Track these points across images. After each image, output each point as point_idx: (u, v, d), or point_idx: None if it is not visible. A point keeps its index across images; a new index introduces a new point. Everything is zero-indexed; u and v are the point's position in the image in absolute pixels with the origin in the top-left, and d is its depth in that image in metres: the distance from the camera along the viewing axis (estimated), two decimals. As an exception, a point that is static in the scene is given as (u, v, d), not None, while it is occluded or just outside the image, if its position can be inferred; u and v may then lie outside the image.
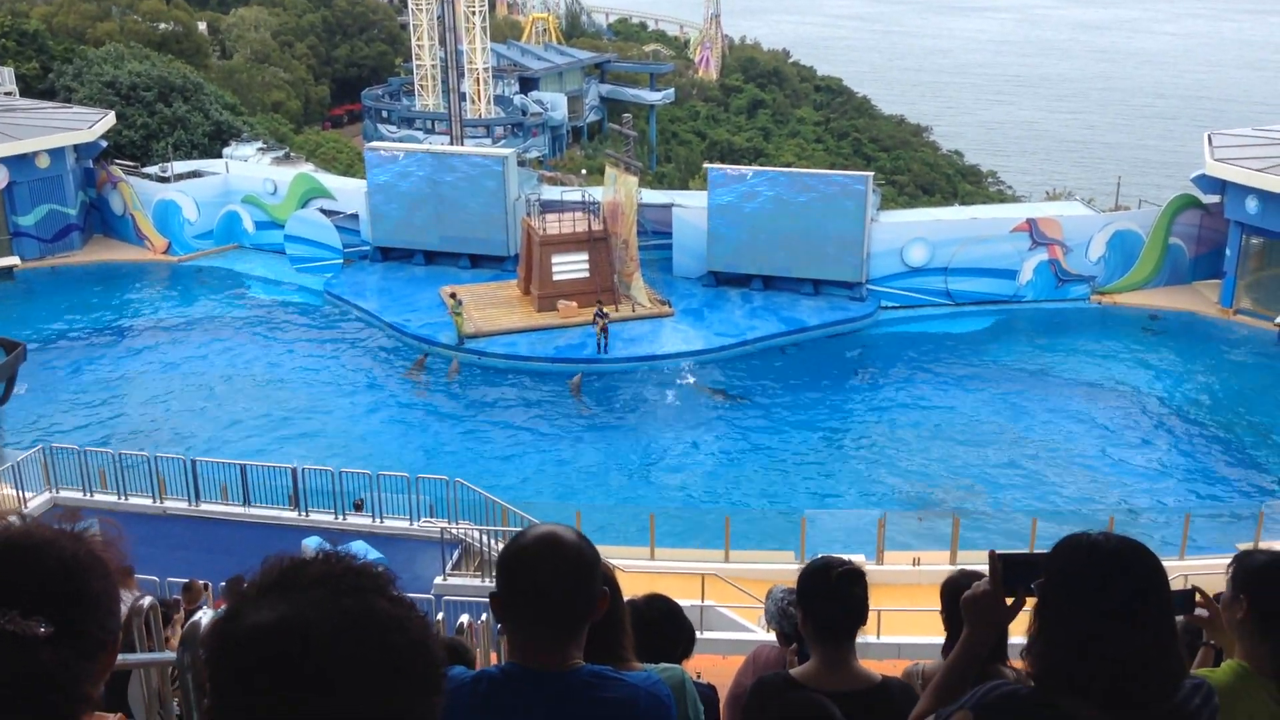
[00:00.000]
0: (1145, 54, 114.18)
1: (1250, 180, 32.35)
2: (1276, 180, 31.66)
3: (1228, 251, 34.12)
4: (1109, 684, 2.38)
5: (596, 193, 35.55)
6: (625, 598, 4.48)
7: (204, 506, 21.41)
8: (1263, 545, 20.82)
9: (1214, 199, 34.41)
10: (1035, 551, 2.80)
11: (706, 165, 39.04)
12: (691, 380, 30.99)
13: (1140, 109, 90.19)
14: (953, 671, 2.95)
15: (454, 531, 20.22)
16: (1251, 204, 32.64)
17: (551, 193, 37.74)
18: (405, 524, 20.82)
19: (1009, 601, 2.82)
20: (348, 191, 39.00)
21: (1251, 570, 3.43)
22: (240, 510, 21.30)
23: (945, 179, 59.63)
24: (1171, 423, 29.00)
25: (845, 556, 3.92)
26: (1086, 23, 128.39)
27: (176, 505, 21.34)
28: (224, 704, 1.47)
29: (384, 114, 54.77)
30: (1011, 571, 2.75)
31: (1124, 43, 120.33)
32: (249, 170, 41.30)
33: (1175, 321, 34.04)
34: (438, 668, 1.56)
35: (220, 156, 42.91)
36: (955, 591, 4.11)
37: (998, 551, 2.83)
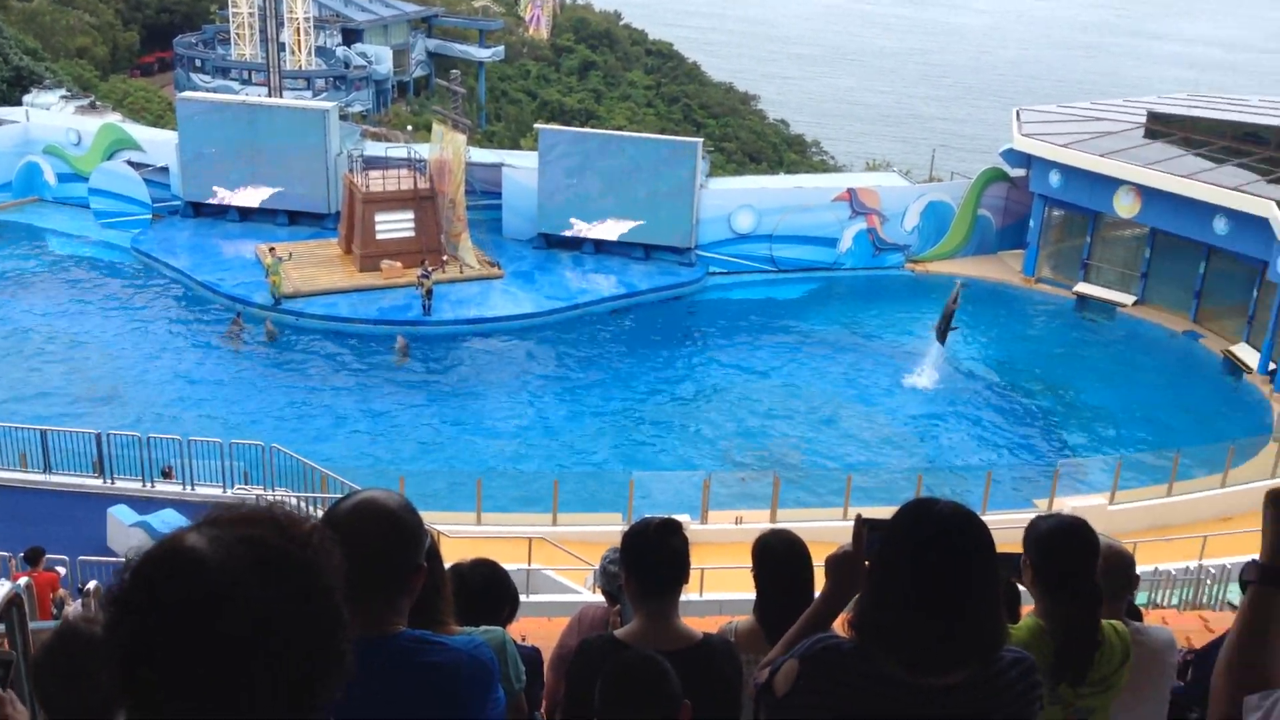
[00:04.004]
0: (959, 30, 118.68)
1: (1054, 155, 34.09)
2: (1078, 155, 33.46)
3: (1031, 223, 35.91)
4: (919, 643, 2.41)
5: (423, 150, 34.84)
6: (451, 563, 4.42)
7: (1, 474, 20.25)
8: (1058, 501, 22.18)
9: (1020, 173, 36.13)
10: None
11: (538, 126, 38.71)
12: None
13: (954, 84, 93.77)
14: (808, 625, 3.03)
15: (270, 499, 19.66)
16: (1054, 178, 34.42)
17: (375, 149, 36.77)
18: (218, 491, 20.12)
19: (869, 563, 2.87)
20: (158, 143, 37.12)
21: (1036, 536, 3.63)
22: (40, 478, 20.26)
23: (771, 147, 60.77)
24: (977, 385, 30.44)
25: (670, 516, 3.96)
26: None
27: (-31, 473, 20.11)
28: (134, 626, 1.50)
29: (198, 63, 52.32)
30: (875, 535, 2.81)
31: (940, 18, 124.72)
32: (51, 119, 38.89)
33: (982, 289, 35.63)
34: (332, 603, 1.60)
35: (19, 104, 40.23)
36: (764, 551, 4.22)
37: (863, 515, 2.89)
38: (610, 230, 34.86)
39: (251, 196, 35.96)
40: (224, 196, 36.01)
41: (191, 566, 1.50)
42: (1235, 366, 30.74)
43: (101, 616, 1.55)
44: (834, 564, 3.08)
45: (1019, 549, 3.67)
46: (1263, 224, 29.07)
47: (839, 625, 3.05)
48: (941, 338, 29.50)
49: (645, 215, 34.43)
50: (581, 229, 34.97)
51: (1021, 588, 3.89)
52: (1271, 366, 29.62)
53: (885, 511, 2.66)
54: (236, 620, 1.48)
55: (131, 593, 1.50)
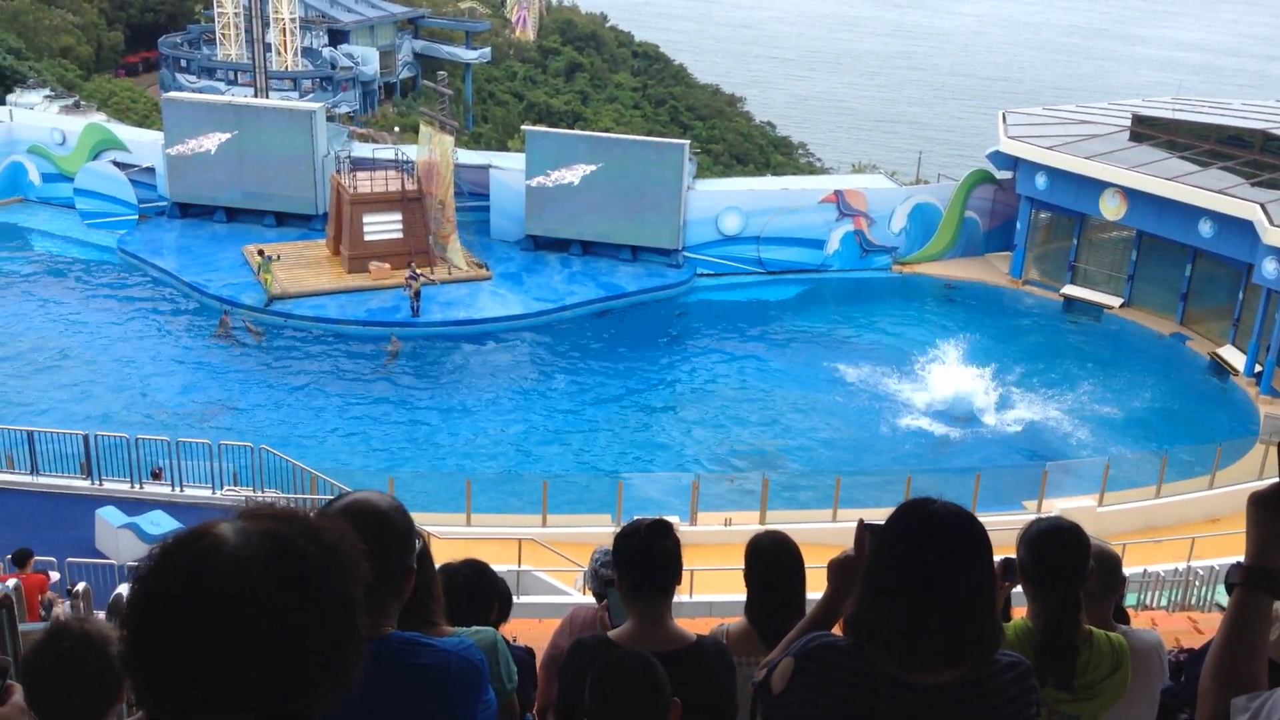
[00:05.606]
0: (944, 33, 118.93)
1: (1040, 158, 34.18)
2: (1064, 158, 33.56)
3: (1018, 225, 36.00)
4: (913, 641, 2.42)
5: (411, 151, 34.77)
6: (440, 563, 4.42)
7: (-13, 476, 20.13)
8: (1047, 503, 22.23)
9: (1006, 175, 36.21)
10: None
11: (525, 127, 38.68)
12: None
13: (939, 87, 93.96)
14: (809, 628, 3.03)
15: (260, 501, 19.56)
16: (1041, 180, 34.52)
17: (363, 150, 36.69)
18: (207, 493, 20.04)
19: None
20: (143, 144, 36.99)
21: (1028, 537, 3.63)
22: (28, 479, 20.09)
23: (758, 149, 60.77)
24: (964, 388, 30.47)
25: (661, 517, 3.95)
26: (891, 0, 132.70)
27: (-45, 475, 19.97)
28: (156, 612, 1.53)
29: (183, 63, 52.14)
30: (876, 540, 2.80)
31: (925, 21, 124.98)
32: (35, 119, 38.73)
33: (969, 291, 35.74)
34: (347, 613, 1.60)
35: (3, 104, 40.07)
36: (757, 552, 4.21)
37: (865, 521, 2.89)
38: (597, 232, 34.58)
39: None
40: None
41: (209, 551, 1.54)
42: (1221, 368, 30.88)
43: (118, 606, 1.58)
44: (836, 568, 3.09)
45: (1008, 551, 3.67)
46: (1247, 227, 29.20)
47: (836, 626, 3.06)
48: None
49: (632, 216, 34.43)
50: (569, 231, 34.76)
51: (1017, 590, 3.90)
52: (1257, 368, 29.75)
53: (884, 515, 2.66)
54: (241, 608, 1.50)
55: (153, 570, 1.55)
